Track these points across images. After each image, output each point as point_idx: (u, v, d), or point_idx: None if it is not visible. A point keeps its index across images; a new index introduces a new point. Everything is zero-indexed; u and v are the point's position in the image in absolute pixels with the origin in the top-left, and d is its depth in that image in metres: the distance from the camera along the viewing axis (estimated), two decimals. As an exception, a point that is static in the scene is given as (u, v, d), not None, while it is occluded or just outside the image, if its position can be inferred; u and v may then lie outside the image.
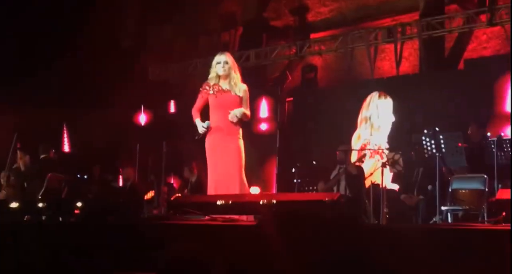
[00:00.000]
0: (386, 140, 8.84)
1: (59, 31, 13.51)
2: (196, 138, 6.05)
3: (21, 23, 12.95)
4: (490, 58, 10.62)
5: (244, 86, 6.03)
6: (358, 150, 8.53)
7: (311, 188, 9.13)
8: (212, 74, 6.08)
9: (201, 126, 6.01)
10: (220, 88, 6.02)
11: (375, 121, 9.29)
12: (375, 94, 9.07)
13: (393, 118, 8.88)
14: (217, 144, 6.00)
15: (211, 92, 6.03)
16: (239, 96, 5.96)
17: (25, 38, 13.08)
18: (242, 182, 5.92)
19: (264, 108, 11.72)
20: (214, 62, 6.08)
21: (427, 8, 11.05)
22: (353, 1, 12.81)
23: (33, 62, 13.01)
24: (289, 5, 13.77)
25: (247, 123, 6.20)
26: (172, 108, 13.21)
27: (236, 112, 5.88)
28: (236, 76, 6.00)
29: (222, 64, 6.02)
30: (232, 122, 5.94)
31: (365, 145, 9.00)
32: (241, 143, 6.01)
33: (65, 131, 13.73)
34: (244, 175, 5.96)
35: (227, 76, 6.00)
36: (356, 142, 8.92)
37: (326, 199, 4.85)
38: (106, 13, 13.89)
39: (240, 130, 6.02)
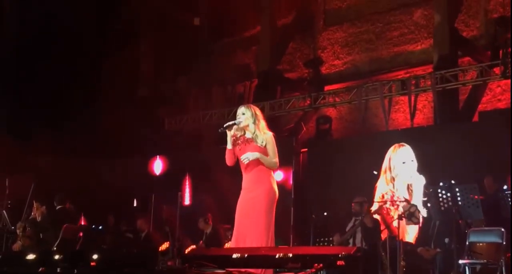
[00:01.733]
0: (407, 194, 8.84)
1: (80, 85, 13.76)
2: (220, 130, 5.95)
3: (44, 76, 13.21)
4: (505, 110, 10.62)
5: (268, 134, 5.94)
6: (376, 202, 8.50)
7: (325, 239, 9.07)
8: (234, 127, 6.07)
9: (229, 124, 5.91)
10: (245, 139, 6.01)
11: (388, 174, 9.33)
12: (390, 149, 9.20)
13: (411, 167, 8.89)
14: (248, 199, 5.87)
15: (238, 144, 6.02)
16: (260, 146, 5.90)
17: (47, 90, 13.33)
18: (271, 240, 5.71)
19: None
20: (236, 115, 6.11)
21: (441, 61, 11.14)
22: (366, 54, 12.97)
23: (53, 114, 13.21)
24: (303, 58, 13.96)
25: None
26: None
27: (248, 155, 5.83)
28: (254, 126, 5.96)
29: (239, 115, 6.05)
30: (258, 171, 5.88)
31: (383, 196, 9.01)
32: (275, 187, 5.83)
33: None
34: (273, 233, 5.78)
35: (247, 127, 6.01)
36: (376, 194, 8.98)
37: (343, 252, 4.80)
38: (123, 64, 14.17)
39: (271, 179, 5.90)
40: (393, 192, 9.29)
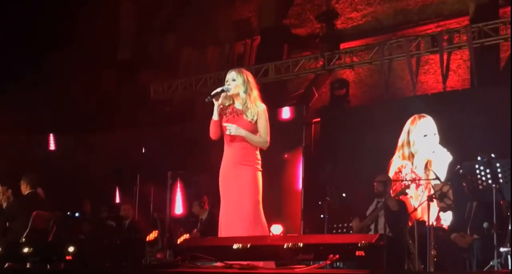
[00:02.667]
0: (425, 172, 8.89)
1: (42, 37, 13.64)
2: (206, 100, 6.01)
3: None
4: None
5: (260, 108, 5.99)
6: (400, 180, 8.55)
7: (342, 225, 9.13)
8: (222, 94, 6.10)
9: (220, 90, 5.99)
10: (234, 109, 6.04)
11: (406, 149, 9.39)
12: (408, 121, 9.22)
13: (433, 141, 8.92)
14: (229, 175, 6.01)
15: (225, 115, 6.06)
16: (250, 121, 5.95)
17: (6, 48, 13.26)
18: (257, 221, 5.89)
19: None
20: (225, 80, 6.13)
21: (479, 12, 11.09)
22: (390, 4, 12.88)
23: (13, 79, 13.15)
24: (315, 10, 13.87)
25: (265, 150, 6.18)
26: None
27: (232, 128, 5.90)
28: (246, 95, 5.98)
29: (229, 82, 6.06)
30: (246, 150, 5.95)
31: (399, 170, 9.08)
32: (259, 174, 6.01)
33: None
34: (261, 212, 5.94)
35: (237, 96, 6.03)
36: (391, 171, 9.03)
37: (363, 241, 4.83)
38: (99, 18, 14.09)
39: (258, 160, 6.02)
40: (410, 167, 9.36)
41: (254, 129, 5.98)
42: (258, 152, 6.04)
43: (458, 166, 7.98)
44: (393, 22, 12.84)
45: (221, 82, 12.41)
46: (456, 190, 7.95)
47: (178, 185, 11.65)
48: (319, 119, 12.46)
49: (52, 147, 14.18)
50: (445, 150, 9.63)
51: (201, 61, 14.93)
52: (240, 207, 5.90)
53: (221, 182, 6.08)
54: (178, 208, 11.71)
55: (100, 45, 14.44)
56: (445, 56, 11.35)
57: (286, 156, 11.65)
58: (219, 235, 6.04)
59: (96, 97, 13.90)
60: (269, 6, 13.87)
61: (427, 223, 7.73)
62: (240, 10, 15.01)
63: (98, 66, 14.24)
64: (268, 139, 6.00)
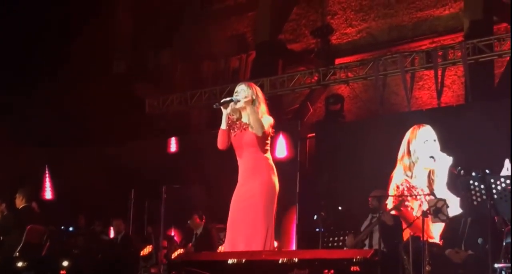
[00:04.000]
0: (428, 182, 8.89)
1: (40, 53, 13.65)
2: (214, 106, 6.00)
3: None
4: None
5: (266, 121, 5.98)
6: (395, 196, 8.55)
7: (337, 239, 9.13)
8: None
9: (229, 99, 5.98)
10: (241, 124, 6.04)
11: (406, 160, 9.38)
12: (408, 132, 9.21)
13: (434, 147, 8.91)
14: (244, 191, 5.95)
15: (233, 130, 6.05)
16: (256, 135, 5.93)
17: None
18: (270, 236, 5.79)
19: (281, 147, 11.76)
20: (234, 92, 6.12)
21: (473, 28, 11.13)
22: (385, 20, 12.95)
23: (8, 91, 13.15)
24: (310, 25, 13.93)
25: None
26: (173, 147, 13.27)
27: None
28: (254, 109, 5.96)
29: (238, 94, 6.05)
30: (254, 159, 5.93)
31: (397, 187, 9.06)
32: (273, 181, 5.95)
33: (47, 174, 13.81)
34: (273, 229, 5.89)
35: (245, 109, 6.03)
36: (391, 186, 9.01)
37: (357, 256, 4.84)
38: (97, 33, 14.12)
39: (271, 166, 5.97)
40: (409, 181, 9.35)
41: (261, 142, 5.97)
42: (270, 159, 6.02)
43: (459, 168, 7.98)
44: (387, 38, 12.90)
45: (216, 97, 12.54)
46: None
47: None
48: (314, 134, 12.48)
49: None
50: (444, 154, 9.62)
51: (196, 76, 14.95)
52: (253, 222, 5.81)
53: (236, 195, 6.00)
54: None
55: (94, 58, 14.45)
56: (439, 72, 11.39)
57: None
58: (225, 249, 6.00)
59: (90, 111, 13.89)
60: (264, 21, 13.90)
61: (422, 238, 7.73)
62: (235, 25, 15.07)
63: (94, 81, 14.23)
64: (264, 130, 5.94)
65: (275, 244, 10.37)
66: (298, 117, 12.90)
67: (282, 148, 11.70)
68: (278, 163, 11.21)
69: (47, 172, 13.76)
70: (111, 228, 11.63)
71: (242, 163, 6.02)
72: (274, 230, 5.91)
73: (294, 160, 11.62)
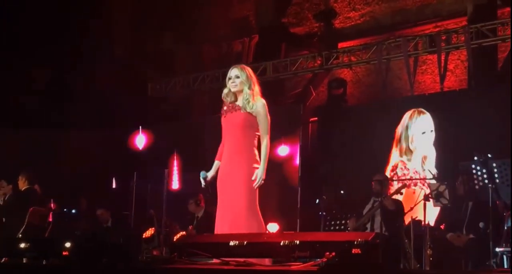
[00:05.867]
0: (422, 166, 8.92)
1: (43, 40, 13.66)
2: (203, 186, 6.12)
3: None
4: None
5: (260, 103, 6.02)
6: (398, 180, 8.59)
7: (339, 222, 9.16)
8: (224, 91, 6.16)
9: (201, 179, 6.10)
10: (233, 106, 6.08)
11: (403, 144, 9.42)
12: (406, 114, 9.24)
13: (430, 137, 8.96)
14: (225, 173, 6.05)
15: (224, 114, 6.11)
16: (250, 114, 5.96)
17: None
18: (254, 217, 5.90)
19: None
20: (227, 78, 6.17)
21: (477, 13, 11.11)
22: (388, 4, 12.90)
23: (10, 76, 13.17)
24: (313, 9, 13.89)
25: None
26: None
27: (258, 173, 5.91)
28: (248, 91, 6.01)
29: (233, 79, 6.09)
30: (242, 146, 5.97)
31: (393, 169, 9.12)
32: (256, 171, 6.03)
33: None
34: (257, 209, 5.98)
35: (241, 92, 6.06)
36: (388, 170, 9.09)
37: (359, 239, 4.86)
38: (96, 15, 14.08)
39: (255, 156, 6.03)
40: (404, 163, 9.41)
41: (252, 121, 6.00)
42: (255, 148, 6.07)
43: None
44: (391, 22, 12.86)
45: (219, 80, 12.52)
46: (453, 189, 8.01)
47: (175, 161, 11.77)
48: (316, 118, 12.49)
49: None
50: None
51: (198, 59, 14.93)
52: (235, 203, 5.92)
53: (219, 178, 6.11)
54: (175, 183, 11.79)
55: (94, 42, 14.42)
56: (442, 57, 11.39)
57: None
58: (215, 232, 6.07)
59: (92, 95, 13.88)
60: (267, 5, 13.87)
61: (423, 223, 7.77)
62: (238, 9, 15.01)
63: (95, 65, 14.21)
64: (269, 137, 6.01)
65: (277, 226, 10.47)
66: (301, 101, 12.89)
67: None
68: (281, 145, 11.30)
69: None
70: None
71: (227, 146, 6.08)
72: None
73: (296, 144, 11.63)
